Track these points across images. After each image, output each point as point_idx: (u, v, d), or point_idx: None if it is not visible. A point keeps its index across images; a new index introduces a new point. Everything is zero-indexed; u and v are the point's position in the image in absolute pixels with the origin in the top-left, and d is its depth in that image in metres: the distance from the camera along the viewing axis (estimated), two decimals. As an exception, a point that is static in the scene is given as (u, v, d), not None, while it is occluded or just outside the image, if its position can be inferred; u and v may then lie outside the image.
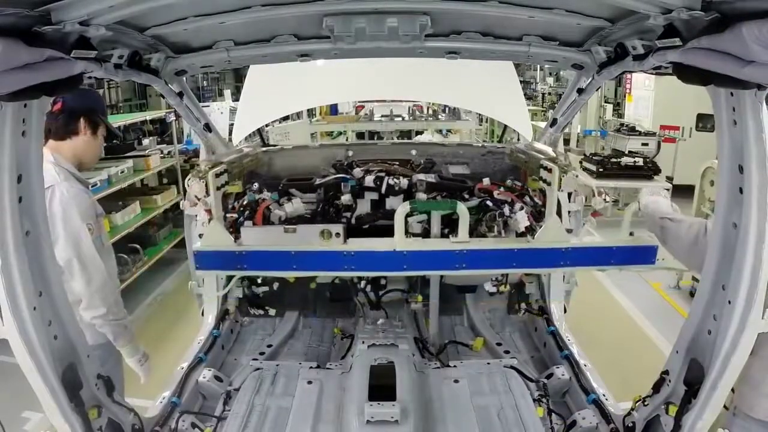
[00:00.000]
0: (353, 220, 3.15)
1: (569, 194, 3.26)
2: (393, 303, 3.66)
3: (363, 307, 3.65)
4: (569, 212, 3.36)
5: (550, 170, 2.75)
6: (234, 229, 3.00)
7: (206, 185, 2.82)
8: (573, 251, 2.71)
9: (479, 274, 3.07)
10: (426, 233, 2.90)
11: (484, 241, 2.81)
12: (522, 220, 2.87)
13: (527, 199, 3.25)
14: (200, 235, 2.92)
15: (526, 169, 3.47)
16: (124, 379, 2.96)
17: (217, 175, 2.81)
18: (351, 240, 2.76)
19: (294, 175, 3.59)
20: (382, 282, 3.59)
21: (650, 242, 2.69)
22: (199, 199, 2.89)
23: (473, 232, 2.84)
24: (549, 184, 2.76)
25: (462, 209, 2.71)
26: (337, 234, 2.70)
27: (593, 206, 2.98)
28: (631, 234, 2.78)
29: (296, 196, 3.23)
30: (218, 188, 2.80)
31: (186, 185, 2.85)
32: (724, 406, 2.05)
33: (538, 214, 3.06)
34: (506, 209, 2.96)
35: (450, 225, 2.89)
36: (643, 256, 2.74)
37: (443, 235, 2.84)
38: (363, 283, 3.56)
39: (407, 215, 2.75)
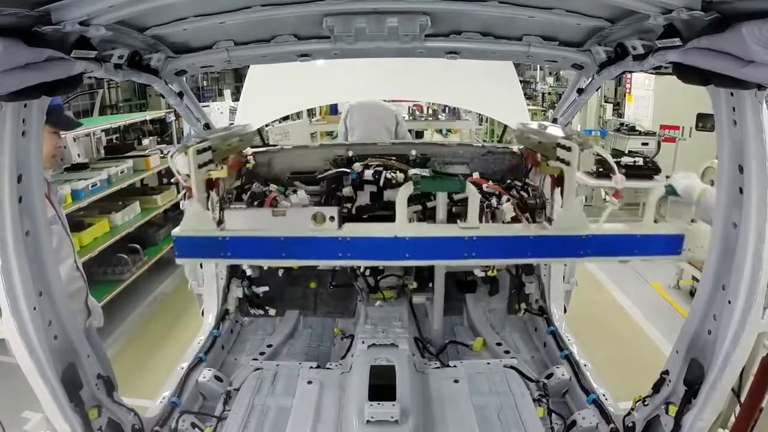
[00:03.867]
0: (354, 211, 3.29)
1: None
2: (391, 289, 3.74)
3: (362, 292, 3.77)
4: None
5: (568, 149, 2.44)
6: None
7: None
8: (594, 239, 2.45)
9: (489, 264, 2.93)
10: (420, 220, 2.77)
11: (496, 227, 2.62)
12: (508, 210, 2.93)
13: (514, 191, 3.36)
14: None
15: (538, 150, 3.12)
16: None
17: (199, 152, 2.50)
18: (347, 225, 2.52)
19: (297, 170, 3.71)
20: (381, 268, 3.67)
21: (675, 230, 2.48)
22: (188, 177, 2.58)
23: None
24: (568, 163, 2.47)
25: (472, 190, 2.46)
26: (332, 218, 2.43)
27: (614, 185, 2.59)
28: (655, 221, 2.52)
29: (300, 188, 3.35)
30: (200, 166, 2.52)
31: (169, 160, 2.60)
32: (734, 393, 2.03)
33: (524, 206, 3.15)
34: (494, 201, 3.05)
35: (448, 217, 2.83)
36: (668, 245, 2.47)
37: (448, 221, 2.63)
38: (363, 267, 3.64)
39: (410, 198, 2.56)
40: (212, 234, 2.48)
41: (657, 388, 2.22)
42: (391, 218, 2.59)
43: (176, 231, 2.54)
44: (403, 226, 2.46)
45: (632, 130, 9.73)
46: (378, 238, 2.46)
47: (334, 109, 10.95)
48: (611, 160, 2.47)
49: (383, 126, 5.61)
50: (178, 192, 7.19)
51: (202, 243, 2.51)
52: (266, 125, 6.50)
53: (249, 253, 2.56)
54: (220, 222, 2.54)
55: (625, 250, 2.52)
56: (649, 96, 10.11)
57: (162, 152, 7.56)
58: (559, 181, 2.71)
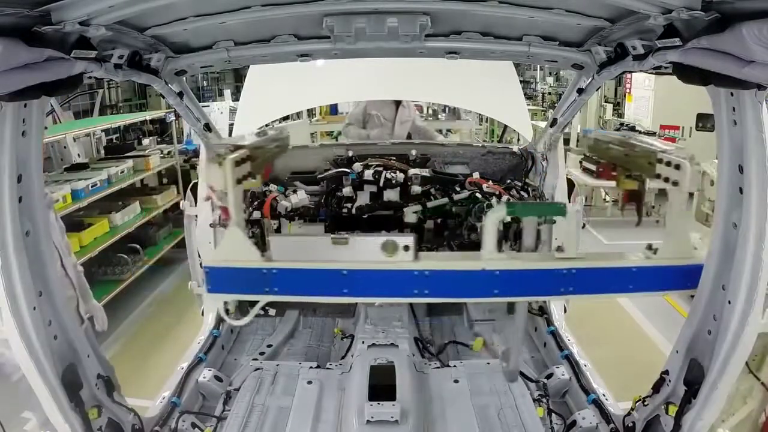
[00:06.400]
0: (354, 211, 3.34)
1: (569, 191, 3.18)
2: None
3: None
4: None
5: (677, 166, 2.03)
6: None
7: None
8: (643, 272, 2.08)
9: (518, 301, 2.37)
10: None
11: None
12: None
13: (513, 192, 3.45)
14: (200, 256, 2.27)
15: (618, 163, 2.65)
16: None
17: (237, 163, 2.03)
18: (424, 255, 2.13)
19: (297, 170, 3.73)
20: None
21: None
22: (214, 192, 2.14)
23: (462, 224, 2.89)
24: (675, 184, 2.04)
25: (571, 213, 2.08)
26: (406, 247, 2.04)
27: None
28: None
29: (300, 188, 3.40)
30: (238, 181, 2.06)
31: (200, 173, 2.05)
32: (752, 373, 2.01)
33: None
34: (494, 201, 3.15)
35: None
36: None
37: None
38: None
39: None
40: (256, 266, 2.05)
41: (657, 388, 2.22)
42: (390, 220, 2.51)
43: (209, 261, 2.11)
44: (493, 256, 2.07)
45: (632, 130, 9.73)
46: (462, 272, 2.08)
47: (334, 109, 10.97)
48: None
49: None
50: (178, 192, 7.20)
51: (243, 276, 2.07)
52: (266, 125, 6.49)
53: (302, 289, 2.13)
54: (263, 250, 2.14)
55: (678, 282, 2.14)
56: (649, 96, 10.12)
57: (162, 152, 7.56)
58: (633, 196, 2.46)
